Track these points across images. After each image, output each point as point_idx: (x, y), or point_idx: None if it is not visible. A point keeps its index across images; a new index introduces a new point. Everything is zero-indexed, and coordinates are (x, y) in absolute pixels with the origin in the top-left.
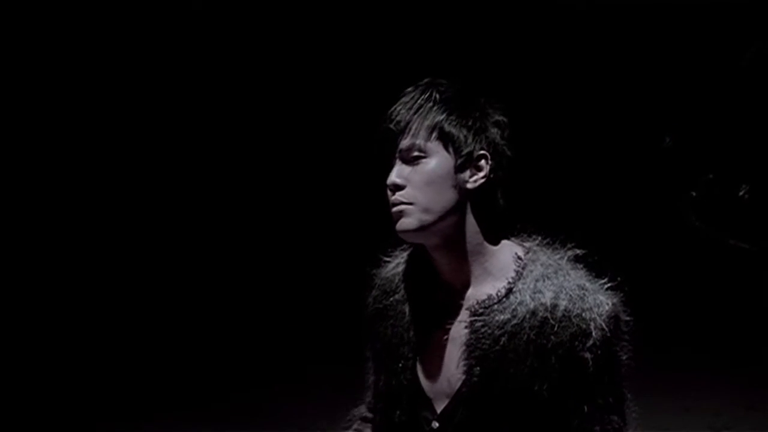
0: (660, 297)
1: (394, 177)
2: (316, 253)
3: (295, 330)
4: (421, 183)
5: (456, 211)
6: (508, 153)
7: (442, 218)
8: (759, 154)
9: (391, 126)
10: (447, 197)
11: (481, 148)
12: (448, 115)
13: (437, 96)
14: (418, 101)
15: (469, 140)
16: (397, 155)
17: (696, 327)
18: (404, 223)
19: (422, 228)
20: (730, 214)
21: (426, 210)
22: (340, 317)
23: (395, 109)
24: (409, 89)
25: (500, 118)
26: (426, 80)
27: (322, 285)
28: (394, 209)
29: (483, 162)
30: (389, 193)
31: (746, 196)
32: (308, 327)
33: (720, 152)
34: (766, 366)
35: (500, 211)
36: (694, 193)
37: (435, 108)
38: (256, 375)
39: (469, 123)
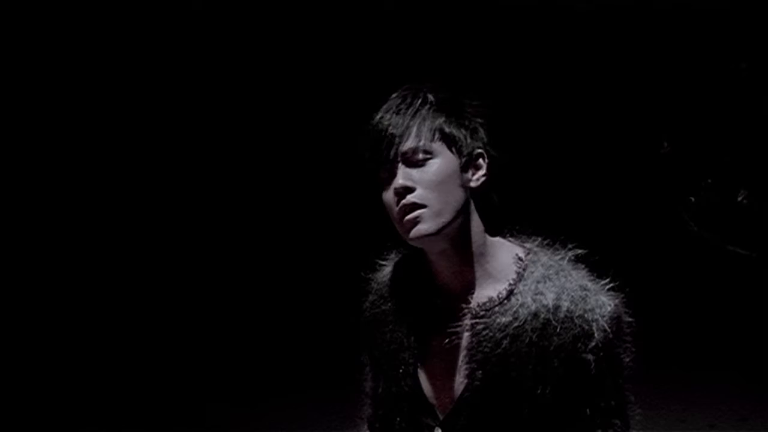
0: (654, 306)
1: (402, 180)
2: (313, 256)
3: (291, 333)
4: (431, 183)
5: (463, 212)
6: (494, 152)
7: (454, 219)
8: (758, 159)
9: (391, 131)
10: (457, 197)
11: (478, 147)
12: (447, 116)
13: (432, 99)
14: (413, 105)
15: (468, 140)
16: (399, 160)
17: (691, 336)
18: (422, 229)
19: (440, 231)
20: (728, 219)
21: (440, 212)
22: (337, 322)
23: (384, 115)
24: (395, 95)
25: (484, 119)
26: (407, 86)
27: (318, 289)
28: (408, 216)
29: (481, 160)
30: (394, 198)
31: (745, 201)
32: (305, 330)
33: (719, 158)
34: (761, 377)
35: (497, 211)
36: (692, 199)
37: (432, 110)
38: (256, 378)
39: (465, 123)
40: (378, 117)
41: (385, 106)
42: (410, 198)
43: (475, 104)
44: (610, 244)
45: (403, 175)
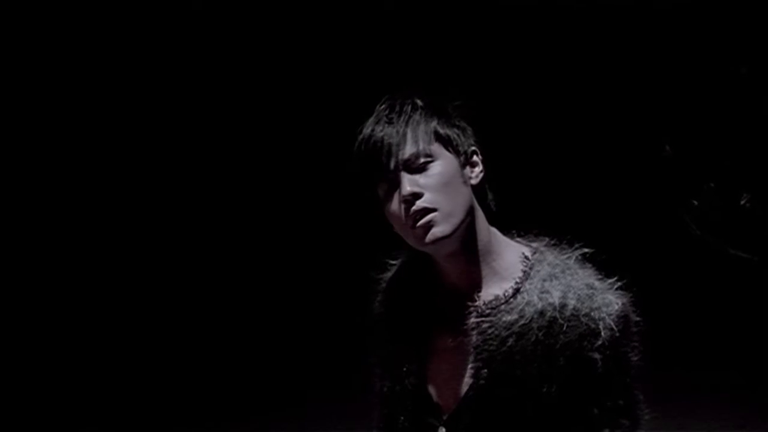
0: (652, 311)
1: (409, 187)
2: (316, 257)
3: (292, 334)
4: (438, 185)
5: (471, 211)
6: (481, 149)
7: (465, 218)
8: (760, 162)
9: (388, 141)
10: (464, 195)
11: (471, 144)
12: (438, 118)
13: (420, 103)
14: (403, 112)
15: (462, 138)
16: (401, 168)
17: (690, 342)
18: (437, 232)
19: (454, 231)
20: (731, 223)
21: (451, 213)
22: (338, 323)
23: (376, 127)
24: (381, 106)
25: (467, 118)
26: (389, 95)
27: (319, 290)
28: (421, 222)
29: (476, 157)
30: (401, 207)
31: (747, 205)
32: (306, 332)
33: (721, 161)
34: (759, 384)
35: (494, 208)
36: (695, 202)
37: (423, 114)
38: (256, 379)
39: (455, 122)
40: (369, 130)
41: (372, 119)
42: (420, 204)
43: (457, 104)
44: (608, 249)
45: (409, 182)
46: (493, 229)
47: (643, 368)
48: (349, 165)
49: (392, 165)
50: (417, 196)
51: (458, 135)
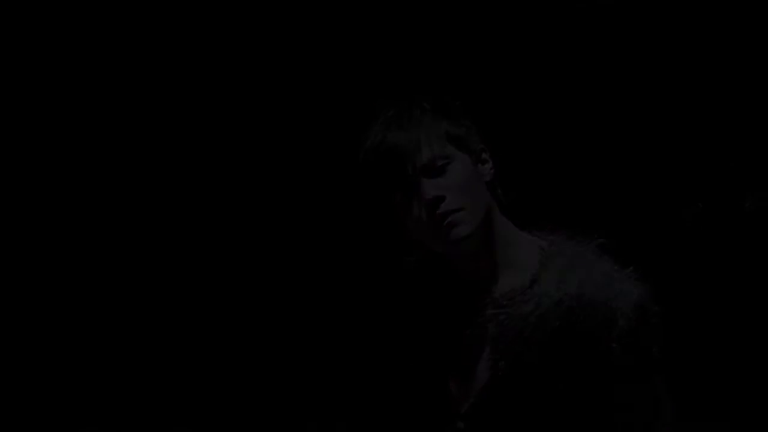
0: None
1: (432, 191)
2: (319, 256)
3: (295, 336)
4: (459, 186)
5: (489, 207)
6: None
7: (486, 215)
8: (765, 163)
9: (402, 147)
10: (482, 193)
11: (478, 142)
12: (447, 120)
13: (428, 107)
14: (413, 117)
15: (471, 137)
16: (418, 173)
17: (691, 346)
18: (461, 232)
19: (478, 229)
20: (735, 224)
21: (473, 212)
22: (345, 323)
23: (387, 134)
24: (388, 113)
25: (468, 117)
26: (394, 99)
27: (324, 290)
28: (446, 223)
29: (485, 155)
30: (425, 212)
31: (752, 207)
32: (311, 333)
33: (725, 163)
34: (761, 386)
35: (505, 201)
36: (700, 204)
37: (433, 117)
38: (256, 379)
39: (462, 122)
40: (380, 137)
41: (380, 126)
42: (443, 206)
43: (458, 104)
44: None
45: (430, 186)
46: (509, 223)
47: (664, 361)
48: (359, 173)
49: (410, 171)
50: (440, 199)
51: (467, 134)
